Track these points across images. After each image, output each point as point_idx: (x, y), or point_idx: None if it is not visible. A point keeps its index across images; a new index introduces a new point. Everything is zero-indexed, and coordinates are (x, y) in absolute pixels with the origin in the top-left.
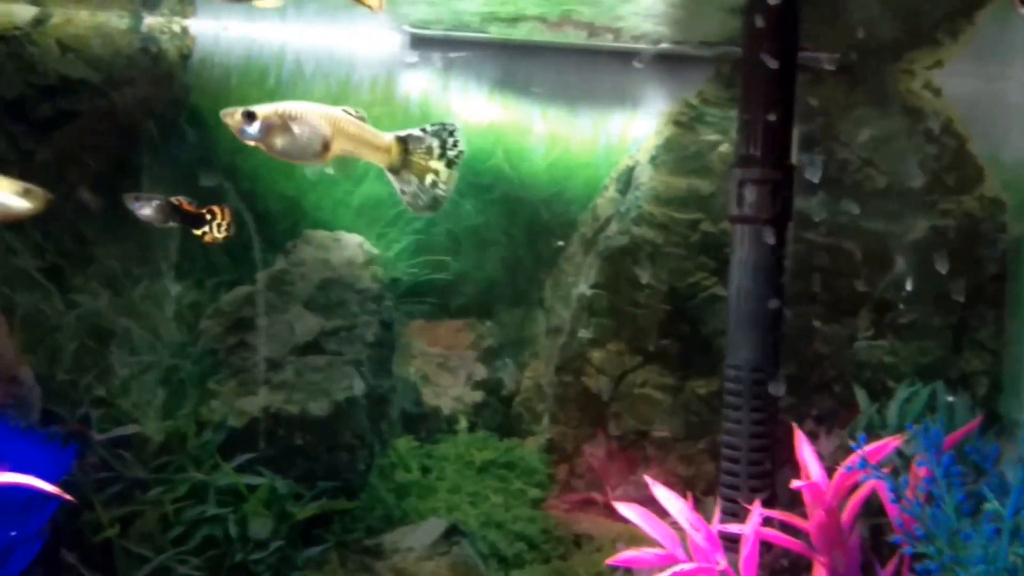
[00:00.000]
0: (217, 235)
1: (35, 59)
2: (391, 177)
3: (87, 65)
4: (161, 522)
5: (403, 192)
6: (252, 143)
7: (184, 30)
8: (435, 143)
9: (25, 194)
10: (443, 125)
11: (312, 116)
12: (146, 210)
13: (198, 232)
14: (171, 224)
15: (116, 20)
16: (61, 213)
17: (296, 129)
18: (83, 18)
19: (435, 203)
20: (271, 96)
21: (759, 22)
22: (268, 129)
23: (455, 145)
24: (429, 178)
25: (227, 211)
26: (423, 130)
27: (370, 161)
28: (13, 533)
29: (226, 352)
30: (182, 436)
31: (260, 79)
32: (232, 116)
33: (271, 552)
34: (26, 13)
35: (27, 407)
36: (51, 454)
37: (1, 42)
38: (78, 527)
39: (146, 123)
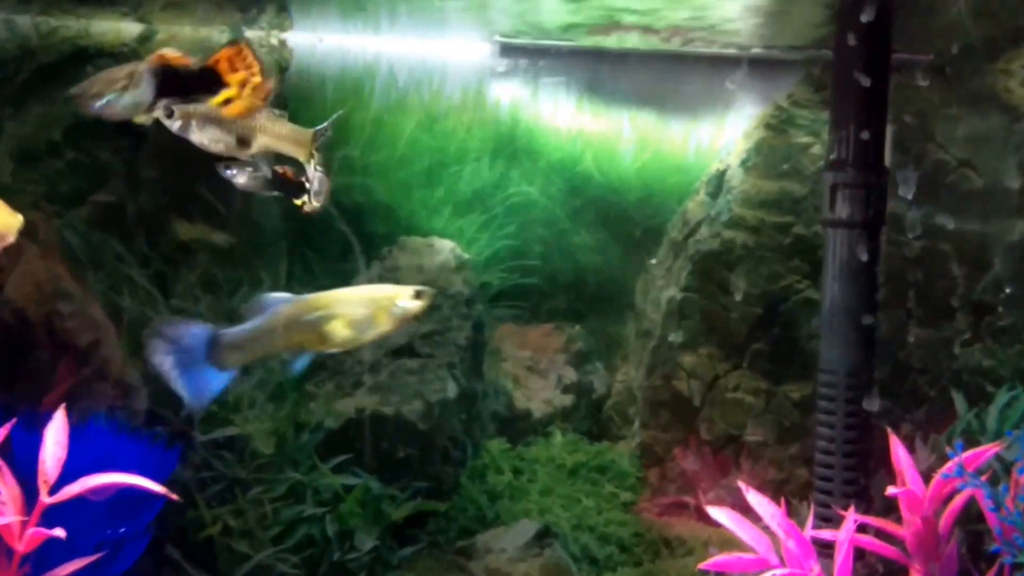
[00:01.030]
0: (315, 203)
1: None
2: (308, 168)
3: None
4: (261, 521)
5: (308, 181)
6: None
7: (282, 43)
8: (326, 132)
9: (417, 296)
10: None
11: (226, 116)
12: (241, 178)
13: (298, 202)
14: (273, 193)
15: (217, 35)
16: (165, 222)
17: (207, 127)
18: (186, 34)
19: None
20: (366, 105)
21: (850, 25)
22: (183, 126)
23: (327, 131)
24: (319, 164)
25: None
26: (328, 122)
27: (292, 155)
28: (123, 529)
29: (323, 355)
30: (281, 437)
31: (355, 89)
32: (160, 110)
33: (367, 552)
34: (133, 30)
35: (134, 409)
36: (157, 454)
37: (110, 58)
38: (182, 525)
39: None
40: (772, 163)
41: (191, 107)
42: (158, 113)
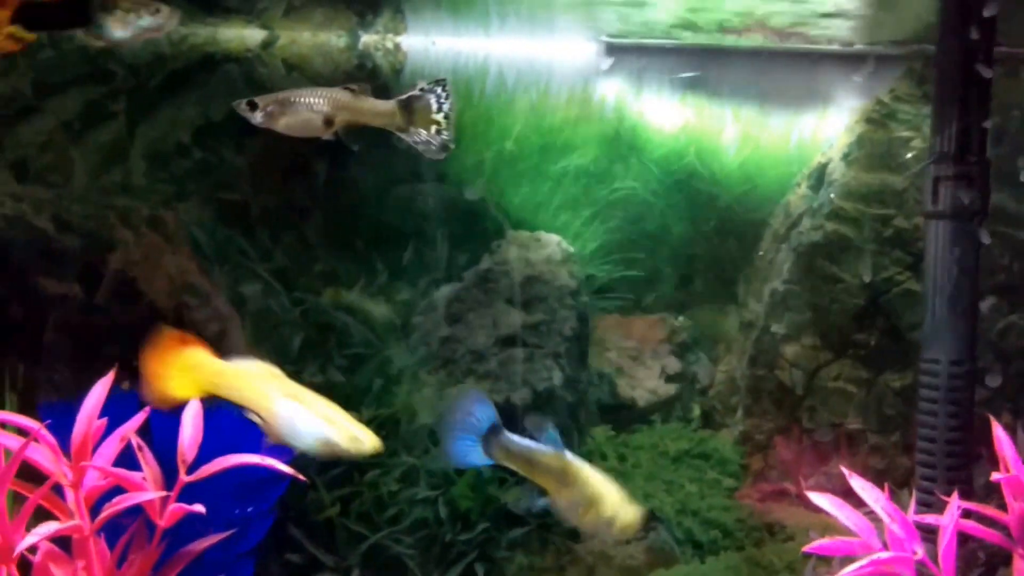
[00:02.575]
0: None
1: (264, 78)
2: (402, 136)
3: (310, 82)
4: (377, 503)
5: (416, 143)
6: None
7: (396, 46)
8: (432, 99)
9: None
10: (436, 82)
11: (308, 98)
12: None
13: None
14: None
15: (335, 40)
16: (287, 219)
17: (292, 111)
18: (305, 39)
19: (445, 147)
20: (476, 105)
21: (954, 20)
22: (268, 115)
23: (447, 98)
24: (433, 128)
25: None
26: (420, 89)
27: (379, 125)
28: (250, 509)
29: (436, 344)
30: (396, 422)
31: (466, 90)
32: (239, 106)
33: (477, 533)
34: (256, 36)
35: None
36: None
37: (235, 64)
38: (304, 506)
39: (362, 134)
40: (873, 156)
41: (272, 96)
42: (240, 108)
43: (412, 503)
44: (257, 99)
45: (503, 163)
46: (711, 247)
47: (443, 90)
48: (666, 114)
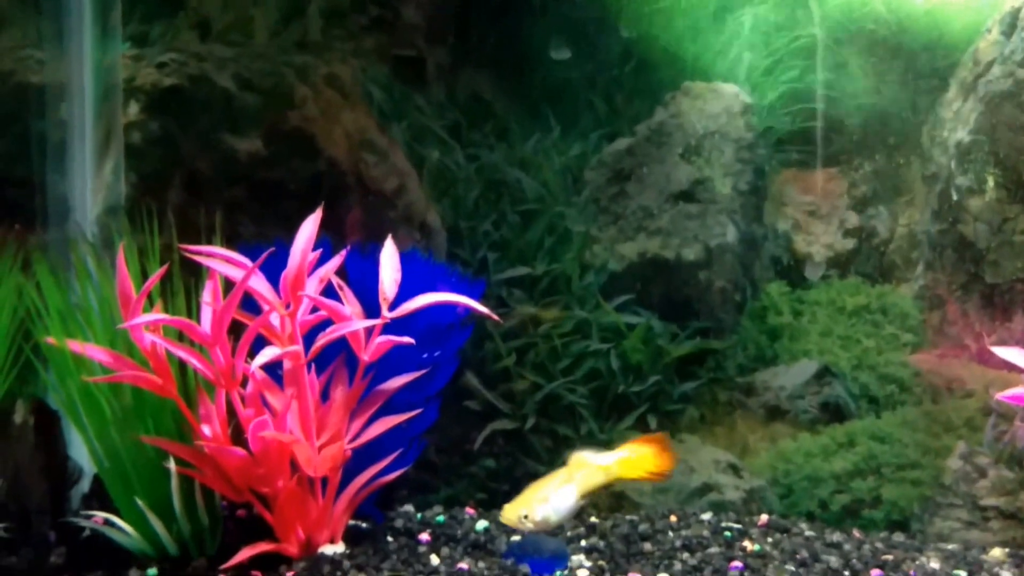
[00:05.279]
0: None
1: None
2: None
3: None
4: (551, 354)
5: None
6: None
7: None
8: None
9: None
10: None
11: None
12: None
13: None
14: None
15: None
16: (462, 76)
17: None
18: None
19: None
20: None
21: None
22: None
23: None
24: None
25: None
26: None
27: None
28: (437, 353)
29: (607, 200)
30: (567, 277)
31: None
32: None
33: (649, 385)
34: None
35: (435, 249)
36: (465, 286)
37: None
38: (481, 355)
39: None
40: None
41: None
42: None
43: (585, 355)
44: None
45: (680, 12)
46: (895, 97)
47: None
48: None
